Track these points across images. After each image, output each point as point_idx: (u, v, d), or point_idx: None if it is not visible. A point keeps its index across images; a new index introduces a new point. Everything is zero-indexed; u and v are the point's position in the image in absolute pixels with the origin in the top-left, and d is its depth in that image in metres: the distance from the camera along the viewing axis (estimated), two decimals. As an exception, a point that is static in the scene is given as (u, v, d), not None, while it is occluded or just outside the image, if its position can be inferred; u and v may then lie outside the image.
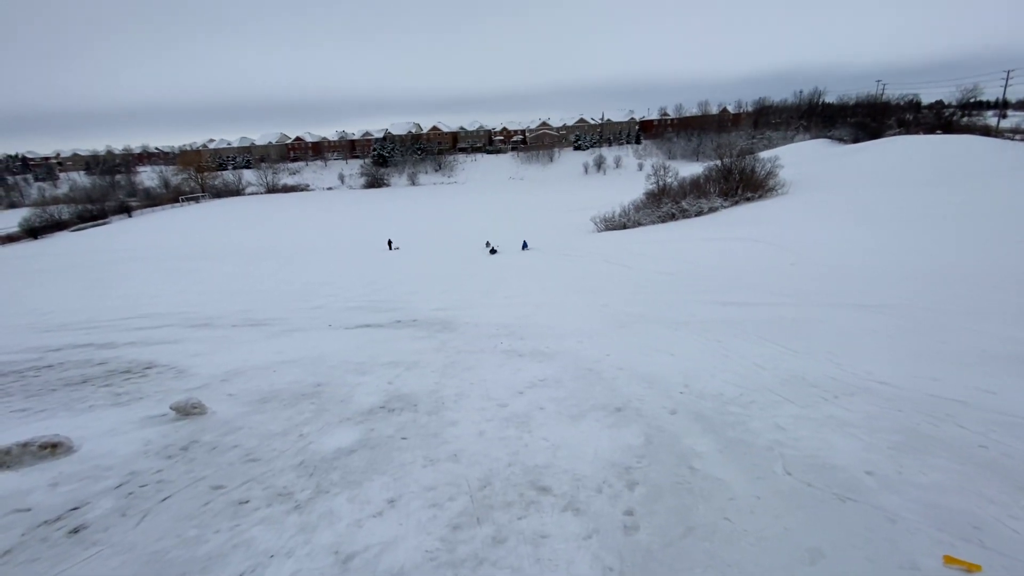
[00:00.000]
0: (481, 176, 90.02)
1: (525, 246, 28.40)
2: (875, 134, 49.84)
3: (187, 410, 4.19)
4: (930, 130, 48.88)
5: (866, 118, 64.60)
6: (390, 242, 27.65)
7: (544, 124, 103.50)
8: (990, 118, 60.14)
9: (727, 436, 3.53)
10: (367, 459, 3.39)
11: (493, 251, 25.82)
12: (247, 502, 2.88)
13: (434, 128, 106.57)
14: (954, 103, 66.26)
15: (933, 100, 75.75)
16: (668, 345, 6.17)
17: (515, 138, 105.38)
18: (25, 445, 3.37)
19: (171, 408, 4.22)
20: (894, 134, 47.08)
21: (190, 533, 2.60)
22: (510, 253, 22.50)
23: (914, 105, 72.21)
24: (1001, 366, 4.96)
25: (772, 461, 3.15)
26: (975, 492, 2.74)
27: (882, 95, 75.60)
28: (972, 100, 66.54)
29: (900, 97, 74.02)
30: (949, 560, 2.20)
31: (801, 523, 2.51)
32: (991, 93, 70.01)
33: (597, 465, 3.20)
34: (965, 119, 57.12)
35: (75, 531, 2.63)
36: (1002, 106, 62.24)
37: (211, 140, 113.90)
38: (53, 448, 3.44)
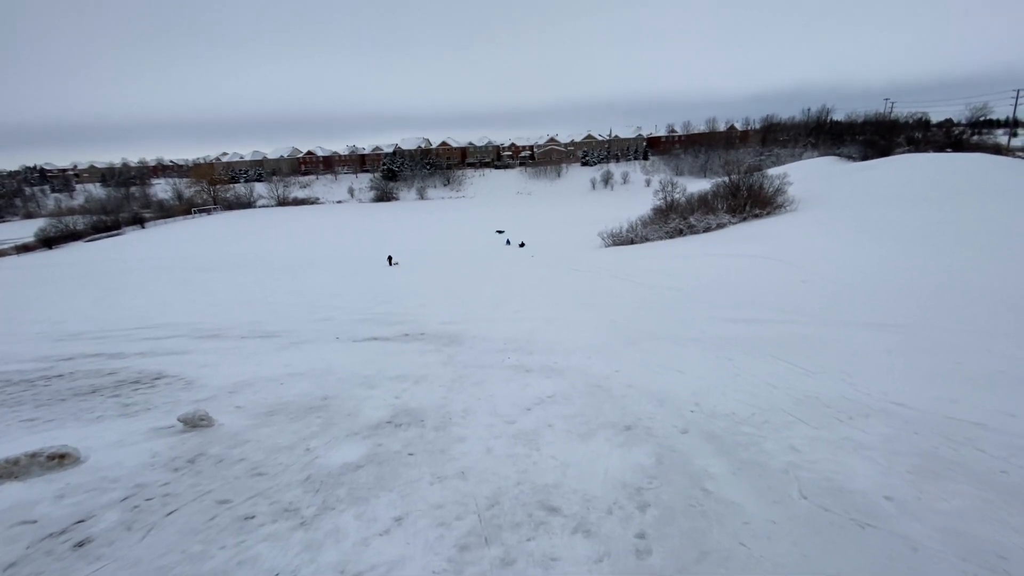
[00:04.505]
0: (489, 191, 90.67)
1: (508, 243, 32.60)
2: (884, 152, 49.65)
3: (194, 422, 4.18)
4: (940, 148, 48.68)
5: (875, 136, 64.52)
6: (390, 258, 27.72)
7: (552, 140, 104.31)
8: (1000, 137, 59.87)
9: (740, 457, 3.46)
10: (374, 475, 3.35)
11: (520, 244, 30.44)
12: (253, 517, 2.85)
13: (443, 143, 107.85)
14: (963, 121, 66.16)
15: (942, 119, 75.67)
16: (678, 362, 6.10)
17: (523, 154, 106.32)
18: (33, 455, 3.37)
19: (178, 420, 4.22)
20: (903, 152, 46.95)
21: (195, 548, 2.57)
22: (518, 266, 22.50)
23: (923, 123, 72.16)
24: (1019, 388, 4.85)
25: (787, 484, 3.07)
26: (998, 520, 2.66)
27: (890, 113, 75.61)
28: (982, 119, 66.40)
29: (909, 115, 73.97)
30: (975, 592, 2.12)
31: (819, 550, 2.44)
32: (1001, 112, 69.87)
33: (607, 485, 3.14)
34: (975, 137, 56.93)
35: (80, 544, 2.61)
36: (1012, 124, 61.99)
37: (224, 153, 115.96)
38: (61, 459, 3.43)
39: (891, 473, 3.18)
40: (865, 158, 47.18)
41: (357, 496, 3.07)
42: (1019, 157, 38.91)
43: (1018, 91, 55.27)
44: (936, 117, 76.15)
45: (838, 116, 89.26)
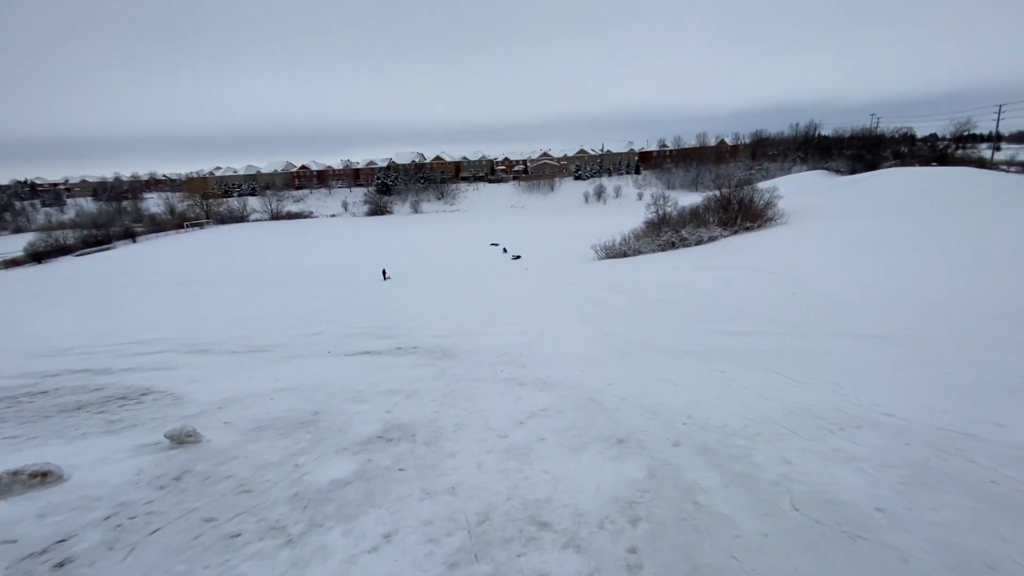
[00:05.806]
0: (483, 204, 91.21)
1: (505, 251, 34.70)
2: (871, 166, 50.57)
3: (181, 438, 4.11)
4: (926, 162, 49.66)
5: (862, 150, 65.76)
6: (384, 271, 27.73)
7: (545, 154, 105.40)
8: (984, 151, 61.16)
9: (732, 470, 3.45)
10: (363, 491, 3.31)
11: (515, 256, 32.59)
12: (239, 536, 2.80)
13: (437, 158, 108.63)
14: (948, 136, 67.63)
15: (927, 133, 77.34)
16: (670, 374, 6.11)
17: (517, 168, 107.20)
18: (15, 473, 3.30)
19: (165, 436, 4.15)
20: (890, 166, 47.80)
21: (178, 568, 2.52)
22: (512, 278, 22.53)
23: (909, 138, 73.67)
24: (1008, 398, 4.89)
25: (779, 496, 3.07)
26: (987, 530, 2.66)
27: (876, 128, 77.09)
28: (965, 133, 67.89)
29: (895, 130, 75.50)
30: (966, 604, 2.11)
31: (811, 563, 2.43)
32: (984, 127, 71.45)
33: (599, 500, 3.11)
34: (960, 152, 58.17)
35: (60, 565, 2.55)
36: (995, 139, 63.37)
37: (217, 168, 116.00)
38: (43, 477, 3.36)
39: (882, 484, 3.18)
40: (853, 172, 48.02)
41: (345, 513, 3.03)
42: (1002, 171, 39.72)
43: (1000, 106, 56.58)
44: (921, 132, 77.99)
45: (826, 131, 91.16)
